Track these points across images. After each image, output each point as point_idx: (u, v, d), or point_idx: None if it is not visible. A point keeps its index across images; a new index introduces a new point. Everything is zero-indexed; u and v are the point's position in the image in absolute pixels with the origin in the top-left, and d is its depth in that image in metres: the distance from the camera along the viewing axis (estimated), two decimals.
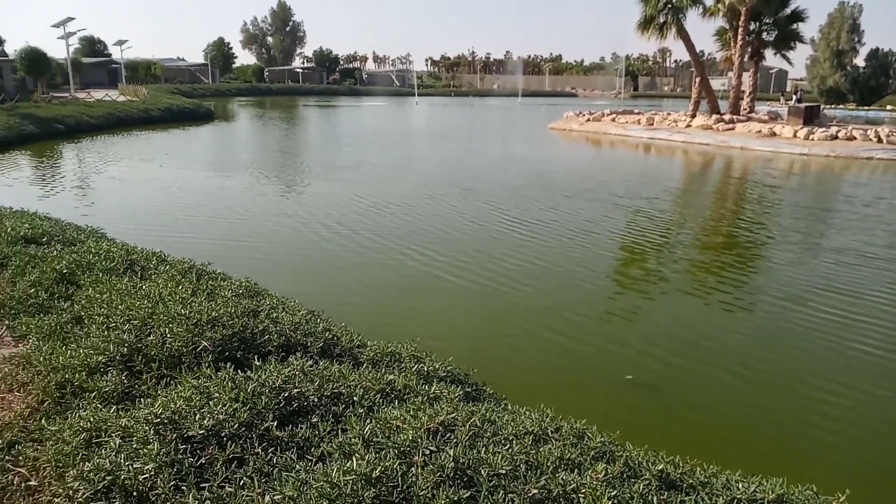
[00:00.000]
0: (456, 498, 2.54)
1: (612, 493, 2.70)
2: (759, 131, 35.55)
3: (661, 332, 9.10)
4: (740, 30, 39.29)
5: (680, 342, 8.74)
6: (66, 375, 3.77)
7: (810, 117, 36.95)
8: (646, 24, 41.01)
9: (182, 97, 58.65)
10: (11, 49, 57.99)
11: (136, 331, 4.05)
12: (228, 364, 3.66)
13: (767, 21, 42.32)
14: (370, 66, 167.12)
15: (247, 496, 2.65)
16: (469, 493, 2.61)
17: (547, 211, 16.69)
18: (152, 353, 3.85)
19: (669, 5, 39.80)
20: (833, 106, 63.40)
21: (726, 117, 39.19)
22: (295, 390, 3.39)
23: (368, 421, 3.19)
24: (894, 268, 12.27)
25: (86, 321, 4.48)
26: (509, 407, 4.12)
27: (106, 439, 3.05)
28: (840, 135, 33.05)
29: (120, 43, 71.11)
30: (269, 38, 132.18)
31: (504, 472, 2.76)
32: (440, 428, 3.12)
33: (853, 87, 71.92)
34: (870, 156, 29.89)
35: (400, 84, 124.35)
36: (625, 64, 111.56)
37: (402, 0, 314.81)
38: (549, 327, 9.06)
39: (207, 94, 77.64)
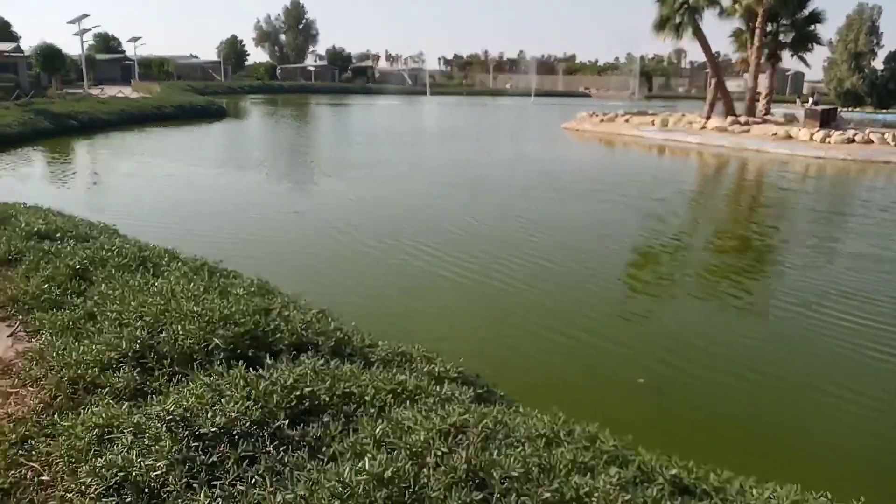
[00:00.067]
0: (468, 500, 2.53)
1: (626, 498, 2.67)
2: (775, 134, 35.28)
3: (672, 336, 9.04)
4: (757, 31, 39.00)
5: (692, 346, 8.68)
6: (79, 371, 3.78)
7: (827, 120, 36.64)
8: (662, 24, 40.78)
9: (195, 94, 58.92)
10: (27, 45, 58.43)
11: (149, 328, 4.07)
12: (240, 362, 3.66)
13: (785, 22, 41.98)
14: (382, 64, 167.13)
15: (258, 494, 2.64)
16: (482, 495, 2.59)
17: (558, 212, 16.64)
18: (164, 350, 3.86)
19: (686, 6, 39.57)
20: (850, 109, 62.81)
21: (742, 119, 38.92)
22: (307, 389, 3.39)
23: (380, 421, 3.18)
24: None
25: (98, 317, 4.49)
26: (521, 409, 4.10)
27: (118, 436, 3.06)
28: (857, 138, 32.75)
29: (134, 40, 71.68)
30: (282, 36, 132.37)
31: (517, 474, 2.74)
32: (452, 429, 3.11)
33: (871, 90, 71.20)
34: (887, 160, 29.59)
35: (412, 83, 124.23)
36: (639, 64, 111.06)
37: None
38: (559, 329, 9.02)
39: (220, 91, 77.83)
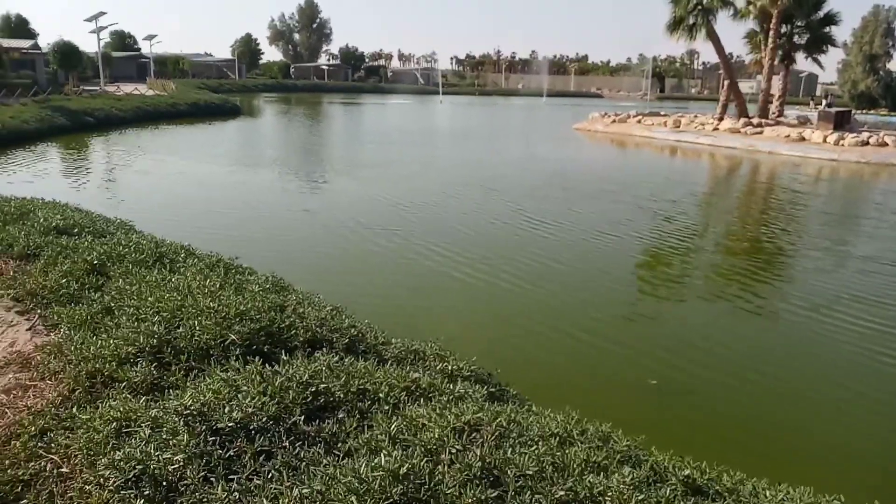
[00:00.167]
0: (483, 497, 2.55)
1: (640, 498, 2.68)
2: (788, 136, 35.08)
3: (682, 338, 9.03)
4: (771, 32, 38.77)
5: (702, 349, 8.67)
6: (97, 365, 3.82)
7: (841, 122, 36.37)
8: (675, 25, 40.62)
9: (209, 92, 59.27)
10: (45, 42, 58.93)
11: (166, 323, 4.10)
12: (256, 358, 3.69)
13: (799, 24, 41.75)
14: (395, 63, 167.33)
15: (275, 489, 2.67)
16: (496, 492, 2.61)
17: (569, 212, 16.62)
18: (181, 345, 3.89)
19: (699, 7, 39.40)
20: (864, 111, 62.34)
21: (754, 121, 38.73)
22: (322, 385, 3.41)
23: (395, 418, 3.21)
24: None
25: (116, 312, 4.54)
26: (533, 408, 4.11)
27: (136, 429, 3.09)
28: (871, 141, 32.50)
29: (149, 38, 72.09)
30: (296, 35, 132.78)
31: (531, 472, 2.76)
32: (466, 427, 3.13)
33: (886, 93, 70.61)
34: None
35: (424, 82, 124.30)
36: (651, 65, 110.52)
37: None
38: (568, 329, 9.03)
39: (234, 89, 78.27)
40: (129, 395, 3.50)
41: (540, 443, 3.12)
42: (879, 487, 5.65)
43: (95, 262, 5.50)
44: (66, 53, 48.05)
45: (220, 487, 2.69)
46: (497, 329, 9.02)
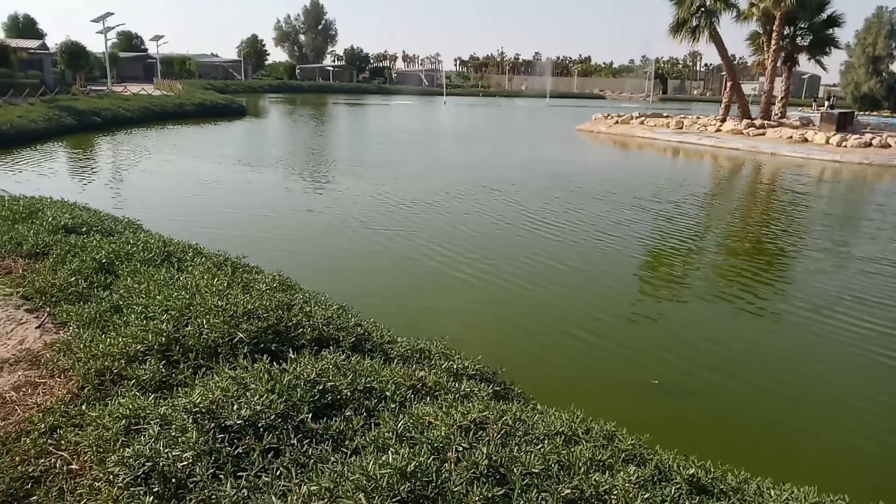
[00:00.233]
0: (490, 495, 2.57)
1: (645, 496, 2.70)
2: (791, 137, 35.05)
3: (686, 338, 9.04)
4: (774, 34, 38.74)
5: (704, 349, 8.68)
6: (106, 363, 3.86)
7: (844, 124, 36.33)
8: (678, 27, 40.62)
9: (215, 93, 59.39)
10: (52, 43, 59.12)
11: (174, 321, 4.13)
12: (264, 356, 3.72)
13: (802, 26, 41.69)
14: (399, 65, 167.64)
15: (283, 486, 2.69)
16: (503, 490, 2.63)
17: (572, 213, 16.63)
18: (190, 343, 3.92)
19: (703, 9, 39.39)
20: (867, 113, 62.23)
21: (757, 122, 38.71)
22: (329, 384, 3.44)
23: (401, 416, 3.23)
24: None
25: (124, 310, 4.57)
26: (538, 406, 4.14)
27: (145, 426, 3.12)
28: (874, 142, 32.46)
29: (156, 38, 72.21)
30: (302, 36, 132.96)
31: (537, 471, 2.78)
32: (472, 425, 3.15)
33: (889, 94, 70.49)
34: None
35: (429, 83, 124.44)
36: (654, 67, 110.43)
37: (433, 0, 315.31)
38: (573, 329, 9.05)
39: (240, 90, 78.45)
40: (137, 393, 3.54)
41: (545, 441, 3.14)
42: (883, 487, 5.67)
43: (104, 261, 5.53)
44: (74, 53, 48.23)
45: (228, 484, 2.71)
46: (500, 329, 9.05)
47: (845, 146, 32.45)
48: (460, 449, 2.90)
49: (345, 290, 9.18)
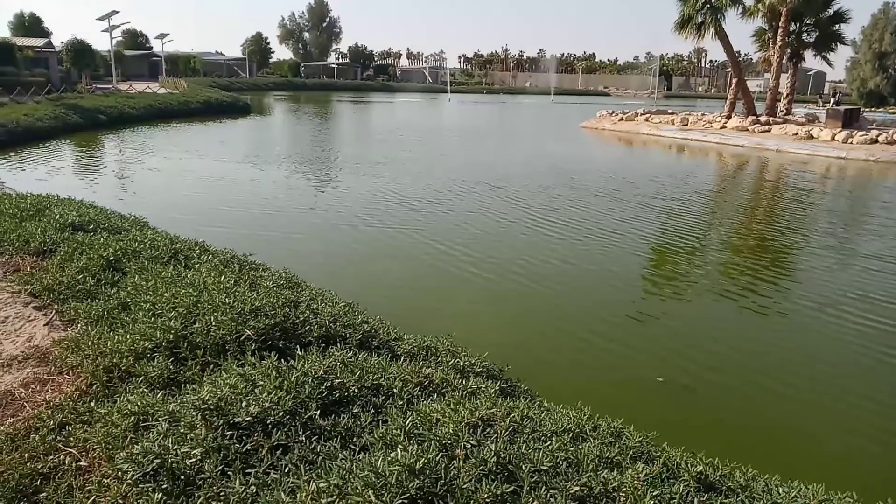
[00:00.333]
0: (499, 492, 2.57)
1: (654, 493, 2.70)
2: (796, 134, 34.93)
3: (691, 336, 9.04)
4: (780, 30, 38.61)
5: (708, 347, 8.67)
6: (114, 360, 3.87)
7: (849, 120, 36.19)
8: (683, 23, 40.50)
9: (220, 90, 59.48)
10: (58, 41, 59.24)
11: (182, 318, 4.15)
12: (272, 353, 3.73)
13: (808, 22, 41.54)
14: (404, 62, 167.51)
15: (292, 483, 2.70)
16: (511, 487, 2.63)
17: (577, 210, 16.61)
18: (197, 340, 3.93)
19: (708, 5, 39.26)
20: (873, 109, 62.02)
21: (762, 119, 38.58)
22: (336, 381, 3.45)
23: (409, 413, 3.23)
24: None
25: (132, 307, 4.59)
26: (545, 404, 4.13)
27: (154, 423, 3.13)
28: (880, 139, 32.32)
29: (161, 36, 72.38)
30: (306, 34, 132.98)
31: (545, 468, 2.78)
32: (480, 422, 3.15)
33: (895, 91, 70.22)
34: None
35: (433, 81, 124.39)
36: (659, 63, 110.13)
37: None
38: (578, 327, 9.04)
39: (244, 87, 78.51)
40: (146, 390, 3.55)
41: (553, 438, 3.14)
42: (890, 486, 5.65)
43: (111, 259, 5.56)
44: (79, 52, 48.29)
45: (237, 481, 2.72)
46: (505, 326, 9.04)
47: (851, 143, 32.32)
48: (468, 446, 2.90)
49: (350, 287, 9.20)
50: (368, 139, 35.31)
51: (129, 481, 2.81)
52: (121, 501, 2.79)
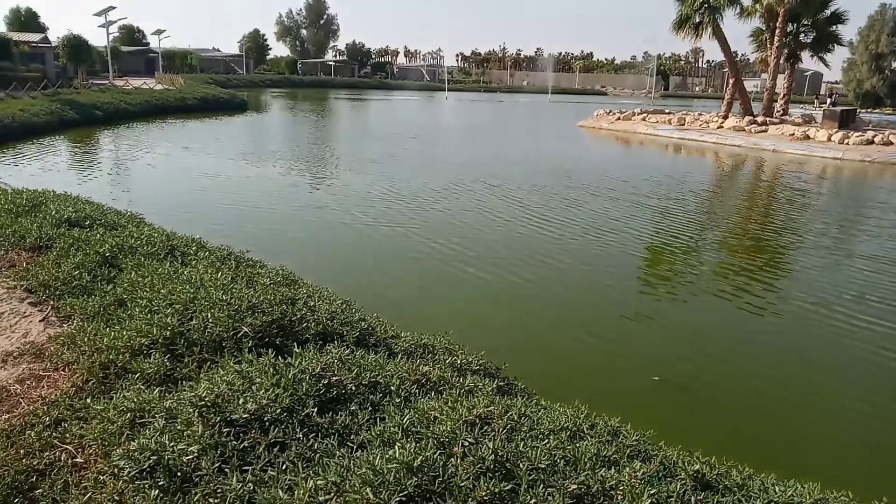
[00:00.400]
0: (497, 490, 2.56)
1: (651, 492, 2.70)
2: (793, 134, 35.00)
3: (687, 335, 9.06)
4: (777, 31, 38.68)
5: (706, 346, 8.69)
6: (110, 356, 3.85)
7: (846, 121, 36.29)
8: (681, 23, 40.56)
9: (217, 87, 59.37)
10: (54, 36, 59.02)
11: (179, 315, 4.13)
12: (269, 350, 3.72)
13: (806, 22, 41.62)
14: (401, 60, 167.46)
15: (289, 480, 2.69)
16: (509, 486, 2.62)
17: (573, 209, 16.63)
18: (194, 336, 3.92)
19: (706, 5, 39.31)
20: (869, 110, 62.21)
21: (759, 119, 38.66)
22: (334, 378, 3.44)
23: (407, 411, 3.23)
24: None
25: (128, 304, 4.57)
26: (542, 402, 4.13)
27: (150, 420, 3.12)
28: (876, 139, 32.42)
29: (158, 32, 72.15)
30: (304, 31, 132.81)
31: (543, 466, 2.78)
32: (478, 420, 3.15)
33: (891, 92, 70.46)
34: None
35: (430, 79, 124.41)
36: (656, 63, 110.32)
37: None
38: (574, 325, 9.06)
39: (241, 84, 78.42)
40: (142, 387, 3.53)
41: (551, 437, 3.13)
42: (886, 484, 5.66)
43: (107, 255, 5.53)
44: (76, 47, 48.16)
45: (234, 478, 2.71)
46: (502, 324, 9.05)
47: (847, 143, 32.41)
48: (466, 444, 2.89)
49: (347, 284, 9.18)
50: (365, 137, 35.27)
51: (126, 478, 2.80)
52: (117, 498, 2.78)
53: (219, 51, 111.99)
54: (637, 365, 7.89)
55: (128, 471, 2.80)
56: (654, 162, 31.18)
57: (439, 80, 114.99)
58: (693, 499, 2.81)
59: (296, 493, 2.59)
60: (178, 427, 2.99)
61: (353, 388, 3.44)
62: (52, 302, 4.97)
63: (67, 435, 3.28)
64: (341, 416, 3.19)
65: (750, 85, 54.58)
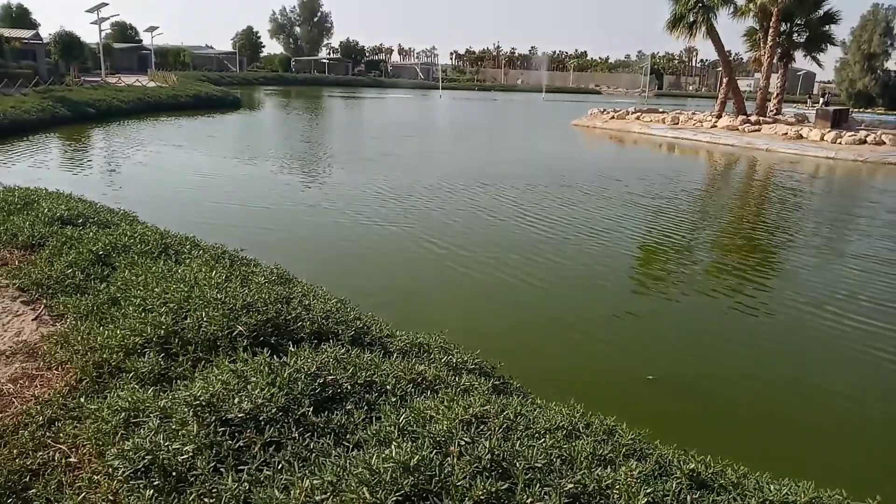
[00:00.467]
0: (493, 489, 2.56)
1: (647, 491, 2.70)
2: (786, 134, 35.12)
3: (681, 334, 9.08)
4: (771, 30, 38.80)
5: (700, 344, 8.71)
6: (104, 355, 3.84)
7: (838, 121, 36.43)
8: (675, 22, 40.62)
9: (210, 85, 59.12)
10: (46, 33, 58.63)
11: (173, 314, 4.11)
12: (264, 349, 3.71)
13: (799, 22, 41.77)
14: (395, 58, 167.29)
15: (286, 479, 2.68)
16: (506, 485, 2.62)
17: (566, 208, 16.64)
18: (189, 336, 3.90)
19: (700, 4, 39.38)
20: (861, 110, 62.45)
21: (752, 118, 38.76)
22: (329, 377, 3.43)
23: (403, 410, 3.22)
24: None
25: (122, 302, 4.55)
26: (537, 401, 4.13)
27: (145, 419, 3.10)
28: (868, 139, 32.56)
29: (151, 29, 71.80)
30: (297, 29, 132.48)
31: (539, 465, 2.77)
32: (473, 420, 3.15)
33: (883, 91, 70.69)
34: None
35: (424, 77, 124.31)
36: (650, 62, 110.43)
37: None
38: (568, 324, 9.06)
39: (235, 82, 78.13)
40: (136, 386, 3.52)
41: (547, 436, 3.13)
42: (878, 481, 5.69)
43: (101, 253, 5.50)
44: (68, 44, 47.80)
45: (230, 478, 2.70)
46: (497, 323, 9.05)
47: (840, 143, 32.54)
48: (462, 443, 2.89)
49: (341, 283, 9.16)
50: (359, 135, 35.22)
51: (120, 478, 2.78)
52: (111, 498, 2.76)
53: (212, 48, 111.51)
54: (631, 364, 7.91)
55: (122, 471, 2.79)
56: (648, 161, 31.23)
57: (433, 78, 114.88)
58: (689, 497, 2.82)
59: (292, 492, 2.58)
60: (173, 426, 2.98)
61: (349, 387, 3.43)
62: (44, 300, 4.95)
63: (61, 434, 3.26)
64: (337, 415, 3.18)
65: (743, 84, 54.81)
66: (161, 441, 2.86)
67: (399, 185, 18.82)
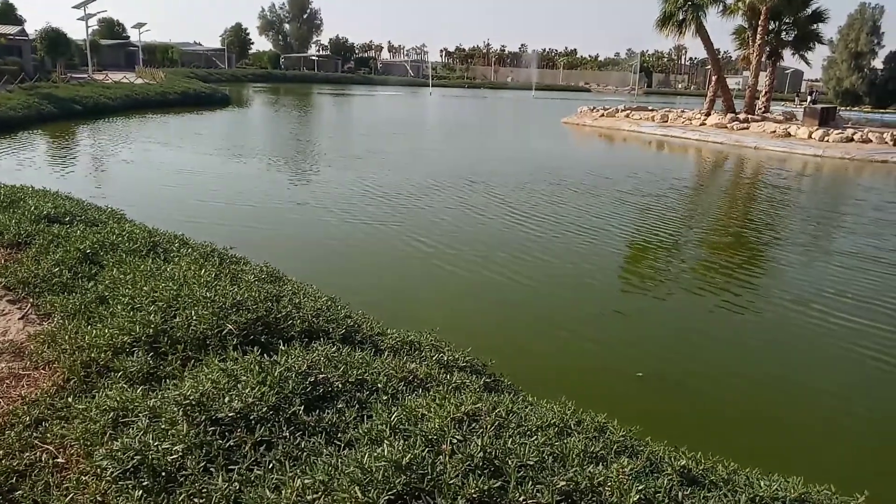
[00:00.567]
0: (486, 488, 2.56)
1: (639, 488, 2.71)
2: (774, 132, 35.33)
3: (670, 331, 9.10)
4: (759, 29, 39.00)
5: (689, 342, 8.74)
6: (92, 355, 3.80)
7: (826, 119, 36.69)
8: (665, 20, 40.77)
9: (198, 81, 58.80)
10: (32, 29, 58.12)
11: (162, 312, 4.08)
12: (255, 348, 3.68)
13: (787, 21, 42.02)
14: (385, 55, 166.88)
15: (276, 479, 2.66)
16: (498, 483, 2.62)
17: (556, 206, 16.66)
18: (178, 334, 3.87)
19: (689, 3, 39.52)
20: (849, 108, 62.94)
21: (741, 116, 38.97)
22: (320, 376, 3.41)
23: (394, 408, 3.21)
24: None
25: (110, 301, 4.51)
26: (529, 398, 4.13)
27: (133, 419, 3.08)
28: (856, 137, 32.81)
29: (138, 26, 71.49)
30: (286, 26, 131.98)
31: (532, 463, 2.77)
32: (465, 417, 3.14)
33: (870, 90, 71.24)
34: (885, 159, 29.66)
35: (414, 74, 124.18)
36: (639, 60, 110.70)
37: None
38: (558, 322, 9.07)
39: (223, 79, 77.70)
40: (125, 385, 3.49)
41: (539, 433, 3.13)
42: (866, 477, 5.72)
43: (88, 251, 5.46)
44: (54, 40, 47.40)
45: (220, 478, 2.68)
46: (487, 321, 9.05)
47: (827, 141, 32.77)
48: (454, 441, 2.88)
49: (328, 281, 9.12)
50: (348, 133, 35.12)
51: (109, 478, 2.75)
52: (100, 499, 2.73)
53: (200, 45, 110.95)
54: (618, 362, 7.92)
55: (111, 471, 2.76)
56: (637, 159, 31.31)
57: (423, 75, 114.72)
58: (680, 494, 2.83)
59: (283, 492, 2.57)
60: (163, 426, 2.96)
61: (340, 385, 3.42)
62: (31, 299, 4.90)
63: (48, 435, 3.23)
64: (328, 414, 3.16)
65: (732, 82, 54.99)
66: (150, 441, 2.83)
67: (387, 182, 18.78)
